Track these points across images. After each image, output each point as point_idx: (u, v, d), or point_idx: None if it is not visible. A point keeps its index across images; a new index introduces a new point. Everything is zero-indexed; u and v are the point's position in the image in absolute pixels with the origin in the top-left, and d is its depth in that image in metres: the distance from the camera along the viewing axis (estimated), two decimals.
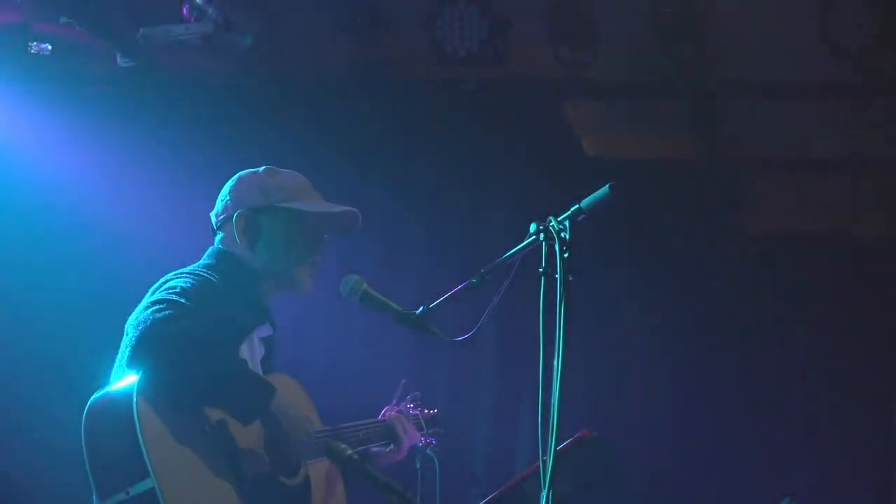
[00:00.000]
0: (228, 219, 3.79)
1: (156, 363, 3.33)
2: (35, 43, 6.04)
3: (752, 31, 5.66)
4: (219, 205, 3.86)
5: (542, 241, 3.21)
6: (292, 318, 4.07)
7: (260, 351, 3.79)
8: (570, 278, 3.11)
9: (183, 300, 3.40)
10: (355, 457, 3.59)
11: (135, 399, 3.27)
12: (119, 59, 6.01)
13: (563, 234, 3.17)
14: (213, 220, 3.87)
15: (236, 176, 3.88)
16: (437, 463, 4.51)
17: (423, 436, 4.26)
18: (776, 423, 6.46)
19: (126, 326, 3.45)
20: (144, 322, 3.35)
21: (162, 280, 3.57)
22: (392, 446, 4.10)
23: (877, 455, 6.28)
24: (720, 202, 6.67)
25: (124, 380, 3.38)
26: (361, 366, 6.27)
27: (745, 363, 6.51)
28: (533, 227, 3.25)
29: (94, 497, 3.35)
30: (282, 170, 3.89)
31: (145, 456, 3.23)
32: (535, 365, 3.09)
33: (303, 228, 3.79)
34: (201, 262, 3.76)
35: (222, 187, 3.90)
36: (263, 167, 3.88)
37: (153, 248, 5.99)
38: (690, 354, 6.49)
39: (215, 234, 3.85)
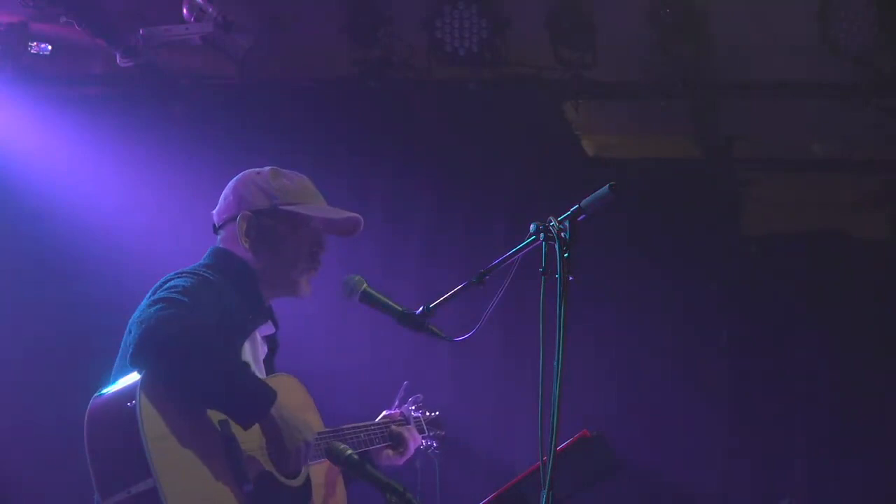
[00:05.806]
0: (231, 219, 3.77)
1: (159, 362, 3.32)
2: (35, 43, 6.05)
3: (752, 31, 5.66)
4: (221, 203, 3.83)
5: (542, 241, 3.21)
6: (293, 317, 4.05)
7: (263, 349, 3.79)
8: (571, 278, 3.11)
9: (185, 299, 3.40)
10: (355, 457, 3.58)
11: (137, 398, 3.26)
12: (119, 59, 6.02)
13: (563, 234, 3.17)
14: (215, 218, 3.85)
15: (240, 175, 3.84)
16: (437, 463, 4.51)
17: (423, 438, 4.25)
18: (776, 422, 6.46)
19: (129, 324, 3.44)
20: (148, 320, 3.33)
21: (163, 279, 3.56)
22: (396, 450, 4.08)
23: (877, 455, 6.27)
24: (720, 202, 6.67)
25: (127, 378, 3.37)
26: (362, 365, 6.27)
27: (745, 363, 6.52)
28: (533, 227, 3.25)
29: (96, 496, 3.34)
30: (286, 171, 3.85)
31: (147, 455, 3.22)
32: (535, 365, 3.09)
33: (306, 233, 3.78)
34: (202, 261, 3.75)
35: (223, 185, 3.89)
36: (268, 168, 3.84)
37: (153, 247, 6.00)
38: (690, 354, 6.50)
39: (216, 232, 3.85)
